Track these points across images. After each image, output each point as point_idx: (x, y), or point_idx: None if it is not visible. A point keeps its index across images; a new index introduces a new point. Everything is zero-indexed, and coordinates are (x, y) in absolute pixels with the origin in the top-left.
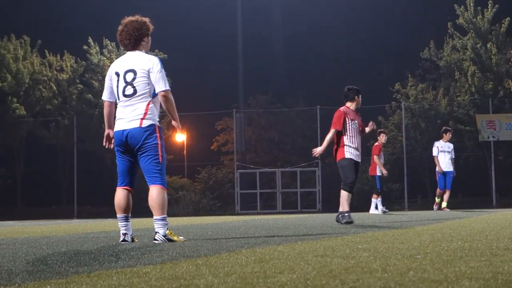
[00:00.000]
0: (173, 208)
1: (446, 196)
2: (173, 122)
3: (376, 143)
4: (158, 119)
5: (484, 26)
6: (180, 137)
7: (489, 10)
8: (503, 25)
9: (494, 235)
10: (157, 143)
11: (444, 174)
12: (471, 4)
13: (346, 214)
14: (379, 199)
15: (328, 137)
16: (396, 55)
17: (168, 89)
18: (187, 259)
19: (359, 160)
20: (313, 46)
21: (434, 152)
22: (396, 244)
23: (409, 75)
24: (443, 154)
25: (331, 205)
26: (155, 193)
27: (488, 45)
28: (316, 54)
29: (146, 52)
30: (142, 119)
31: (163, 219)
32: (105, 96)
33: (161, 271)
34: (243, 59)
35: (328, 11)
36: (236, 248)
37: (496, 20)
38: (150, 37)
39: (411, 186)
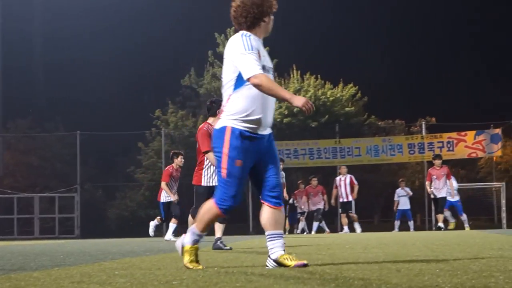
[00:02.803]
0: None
1: None
2: (296, 103)
3: (169, 167)
4: (243, 118)
5: None
6: None
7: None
8: None
9: (250, 261)
10: (221, 152)
11: None
12: (231, 34)
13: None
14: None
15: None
16: (157, 82)
17: (256, 73)
18: None
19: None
20: (74, 72)
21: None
22: (153, 270)
23: (170, 102)
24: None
25: (90, 230)
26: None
27: None
28: (77, 80)
29: (259, 37)
30: (219, 118)
31: (192, 230)
32: None
33: None
34: (2, 82)
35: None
36: None
37: None
38: (272, 17)
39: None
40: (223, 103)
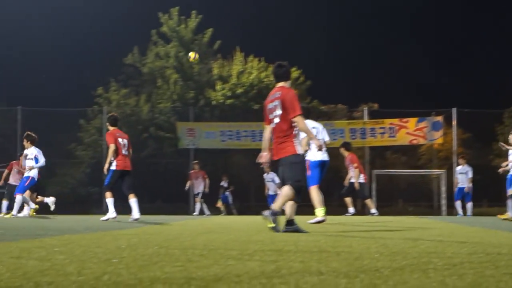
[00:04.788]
0: None
1: None
2: None
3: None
4: None
5: (187, 35)
6: None
7: (193, 20)
8: (205, 35)
9: (190, 241)
10: None
11: None
12: (176, 13)
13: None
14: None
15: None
16: (99, 59)
17: None
18: None
19: None
20: (14, 46)
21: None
22: (93, 247)
23: (112, 80)
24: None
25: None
26: None
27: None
28: (19, 55)
29: None
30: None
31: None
32: None
33: None
34: None
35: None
36: None
37: (200, 30)
38: None
39: None
40: None
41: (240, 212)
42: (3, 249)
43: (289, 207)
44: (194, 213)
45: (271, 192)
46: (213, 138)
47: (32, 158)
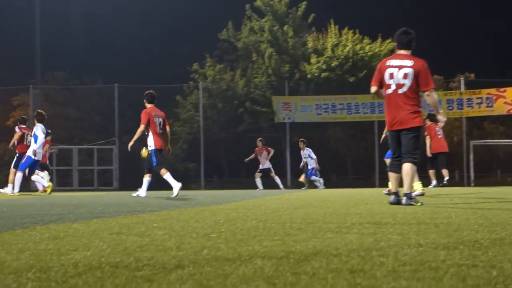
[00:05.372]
0: None
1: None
2: None
3: None
4: None
5: (281, 9)
6: None
7: None
8: (299, 8)
9: (287, 215)
10: None
11: None
12: None
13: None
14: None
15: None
16: (194, 35)
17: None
18: None
19: None
20: (112, 24)
21: None
22: (191, 222)
23: (208, 55)
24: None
25: (128, 183)
26: None
27: (285, 28)
28: (116, 32)
29: None
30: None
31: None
32: None
33: None
34: (40, 34)
35: None
36: (31, 225)
37: (294, 3)
38: None
39: (208, 165)
40: None
41: (337, 185)
42: (103, 226)
43: (395, 179)
44: (258, 189)
45: (310, 167)
46: (308, 112)
47: (32, 136)
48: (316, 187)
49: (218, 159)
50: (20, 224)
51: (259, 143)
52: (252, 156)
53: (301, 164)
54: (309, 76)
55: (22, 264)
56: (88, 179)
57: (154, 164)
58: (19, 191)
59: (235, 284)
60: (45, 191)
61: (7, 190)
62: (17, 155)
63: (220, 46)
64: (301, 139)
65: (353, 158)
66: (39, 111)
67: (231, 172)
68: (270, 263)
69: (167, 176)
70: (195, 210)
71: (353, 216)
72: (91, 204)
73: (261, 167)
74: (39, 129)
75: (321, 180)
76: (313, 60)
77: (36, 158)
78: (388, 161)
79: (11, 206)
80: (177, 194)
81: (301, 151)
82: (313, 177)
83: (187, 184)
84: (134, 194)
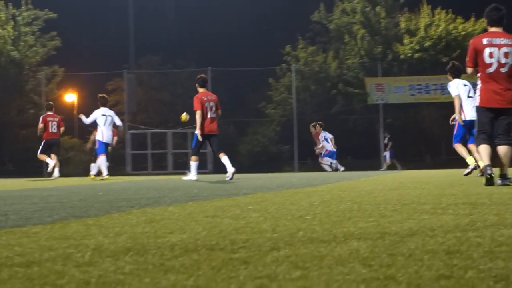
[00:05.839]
0: (63, 168)
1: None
2: None
3: None
4: None
5: None
6: (70, 97)
7: None
8: None
9: (382, 196)
10: None
11: None
12: None
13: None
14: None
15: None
16: (287, 17)
17: None
18: (77, 219)
19: None
20: (205, 8)
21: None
22: (286, 205)
23: (300, 38)
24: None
25: (222, 166)
26: None
27: (377, 9)
28: (208, 15)
29: None
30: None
31: None
32: None
33: (51, 231)
34: (134, 19)
35: None
36: (127, 209)
37: None
38: None
39: (301, 148)
40: None
41: (432, 166)
42: (198, 208)
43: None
44: (327, 171)
45: (328, 149)
46: (402, 93)
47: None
48: (396, 168)
49: (311, 141)
50: (116, 208)
51: (314, 128)
52: (320, 146)
53: (318, 148)
54: (402, 56)
55: (119, 247)
56: (182, 162)
57: (193, 146)
58: (107, 174)
59: (330, 266)
60: (97, 176)
61: (55, 174)
62: (44, 141)
63: (312, 28)
64: (318, 122)
65: (447, 139)
66: (101, 95)
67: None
68: (366, 244)
69: (194, 164)
70: (290, 193)
71: (448, 197)
72: (186, 187)
73: (317, 150)
74: (97, 113)
75: (334, 163)
76: (406, 41)
77: (104, 141)
78: (459, 146)
79: (107, 190)
80: (191, 179)
81: (318, 134)
82: (326, 158)
83: (281, 166)
84: (185, 178)
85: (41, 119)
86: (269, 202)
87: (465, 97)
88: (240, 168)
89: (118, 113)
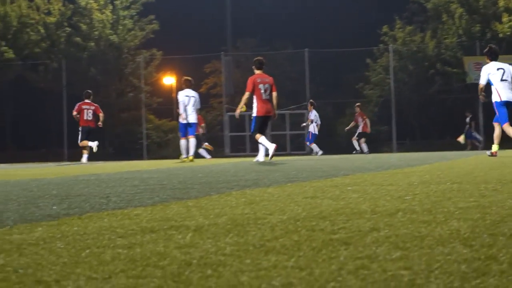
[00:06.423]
0: (163, 150)
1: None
2: None
3: None
4: None
5: None
6: (169, 80)
7: None
8: None
9: (482, 176)
10: None
11: None
12: None
13: None
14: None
15: None
16: None
17: None
18: (177, 201)
19: None
20: None
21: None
22: (385, 185)
23: (397, 17)
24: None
25: (320, 147)
26: None
27: None
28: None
29: None
30: None
31: None
32: None
33: (152, 213)
34: (231, 1)
35: None
36: (226, 190)
37: None
38: None
39: (399, 128)
40: None
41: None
42: (298, 190)
43: None
44: (354, 152)
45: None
46: None
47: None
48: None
49: (409, 122)
50: (216, 190)
51: (357, 109)
52: (352, 124)
53: (305, 124)
54: (500, 35)
55: (219, 228)
56: (280, 144)
57: (251, 130)
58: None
59: (431, 246)
60: (185, 159)
61: (83, 160)
62: (80, 128)
63: (409, 7)
64: (310, 101)
65: None
66: (185, 78)
67: (423, 134)
68: (466, 224)
69: (262, 139)
70: (388, 173)
71: (506, 175)
72: (284, 169)
73: (359, 130)
74: (180, 95)
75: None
76: (504, 19)
77: (184, 122)
78: (508, 127)
79: (206, 172)
80: (271, 157)
81: (309, 112)
82: (313, 145)
83: (379, 147)
84: (254, 160)
85: (76, 106)
86: (368, 182)
87: (498, 80)
88: (338, 149)
89: (216, 95)
